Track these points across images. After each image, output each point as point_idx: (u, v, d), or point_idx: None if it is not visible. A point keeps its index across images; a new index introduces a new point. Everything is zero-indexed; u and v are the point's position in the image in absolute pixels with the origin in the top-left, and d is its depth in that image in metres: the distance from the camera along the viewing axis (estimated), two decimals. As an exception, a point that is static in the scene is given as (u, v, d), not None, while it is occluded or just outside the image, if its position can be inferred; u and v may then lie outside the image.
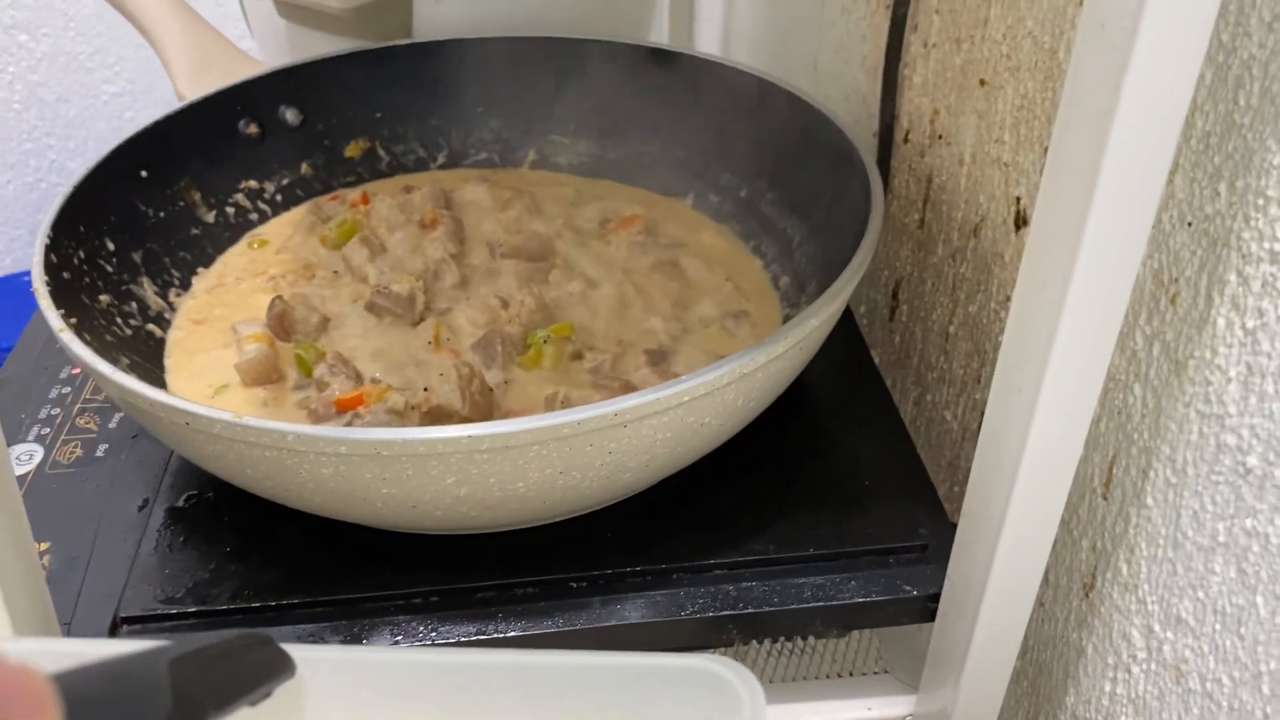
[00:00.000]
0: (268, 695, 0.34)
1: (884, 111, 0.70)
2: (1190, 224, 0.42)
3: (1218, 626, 0.43)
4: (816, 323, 0.50)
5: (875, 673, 0.62)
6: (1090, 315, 0.37)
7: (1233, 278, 0.40)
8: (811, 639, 0.63)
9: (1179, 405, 0.43)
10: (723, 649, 0.61)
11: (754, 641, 0.62)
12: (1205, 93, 0.40)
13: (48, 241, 0.57)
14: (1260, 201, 0.38)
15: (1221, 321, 0.40)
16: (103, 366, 0.48)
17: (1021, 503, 0.42)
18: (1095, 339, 0.38)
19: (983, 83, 0.58)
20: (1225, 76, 0.39)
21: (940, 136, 0.64)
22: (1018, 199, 0.56)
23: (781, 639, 0.63)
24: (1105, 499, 0.50)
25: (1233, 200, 0.39)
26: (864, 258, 0.53)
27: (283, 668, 0.35)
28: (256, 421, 0.44)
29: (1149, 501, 0.46)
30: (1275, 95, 0.37)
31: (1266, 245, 0.38)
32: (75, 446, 0.61)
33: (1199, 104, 0.40)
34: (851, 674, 0.62)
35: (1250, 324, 0.39)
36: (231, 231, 0.72)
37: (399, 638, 0.50)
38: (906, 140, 0.69)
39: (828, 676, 0.62)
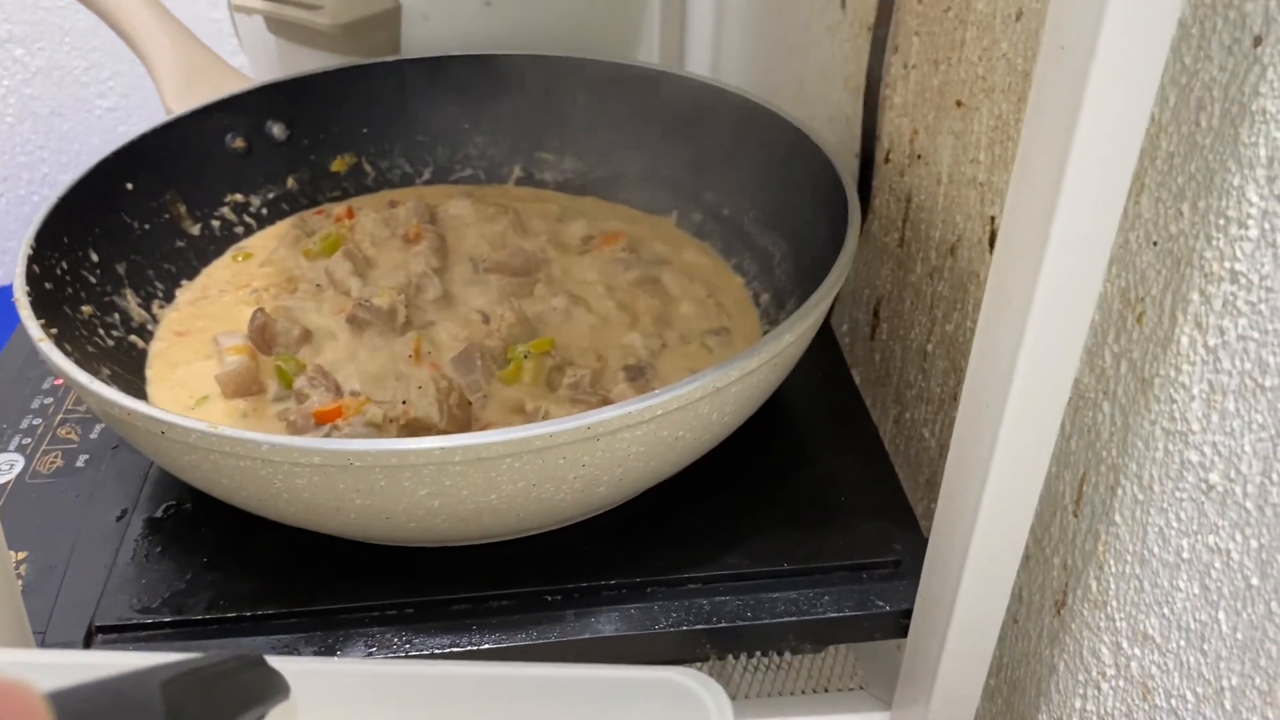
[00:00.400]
0: (261, 718, 0.34)
1: (865, 132, 0.70)
2: (1156, 243, 0.42)
3: (1182, 643, 0.43)
4: (791, 338, 0.50)
5: (851, 689, 0.62)
6: (1054, 330, 0.38)
7: (1195, 296, 0.40)
8: (788, 655, 0.64)
9: (1145, 423, 0.44)
10: (699, 664, 0.61)
11: (730, 657, 0.62)
12: (1169, 114, 0.41)
13: (30, 252, 0.57)
14: (1221, 221, 0.38)
15: (1185, 340, 0.41)
16: (81, 376, 0.49)
17: (989, 517, 0.43)
18: (1059, 354, 0.38)
19: (959, 104, 0.59)
20: (1188, 99, 0.39)
21: (919, 156, 0.65)
22: (992, 218, 0.56)
23: (758, 654, 0.63)
24: (1076, 516, 0.50)
25: (1195, 220, 0.40)
26: (838, 276, 0.54)
27: (276, 689, 0.35)
28: (231, 431, 0.44)
29: (1117, 519, 0.47)
30: (1235, 117, 0.37)
31: (1227, 265, 0.38)
32: (56, 457, 0.61)
33: (1163, 125, 0.41)
34: (828, 690, 0.62)
35: (1212, 342, 0.39)
36: (216, 244, 0.73)
37: (373, 649, 0.50)
38: (887, 160, 0.70)
39: (804, 692, 0.62)
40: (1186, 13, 0.39)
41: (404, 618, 0.52)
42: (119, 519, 0.57)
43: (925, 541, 0.49)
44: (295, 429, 0.57)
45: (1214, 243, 0.39)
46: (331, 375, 0.60)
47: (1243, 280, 0.38)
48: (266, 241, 0.74)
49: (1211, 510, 0.40)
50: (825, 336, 0.70)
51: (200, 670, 0.31)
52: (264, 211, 0.76)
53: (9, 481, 0.59)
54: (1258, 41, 0.36)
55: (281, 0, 0.83)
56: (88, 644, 0.50)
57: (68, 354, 0.51)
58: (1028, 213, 0.36)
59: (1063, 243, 0.36)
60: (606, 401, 0.58)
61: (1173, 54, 0.40)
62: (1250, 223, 0.37)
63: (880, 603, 0.53)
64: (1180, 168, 0.40)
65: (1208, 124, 0.39)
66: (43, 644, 0.50)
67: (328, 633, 0.51)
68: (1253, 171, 0.37)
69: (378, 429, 0.55)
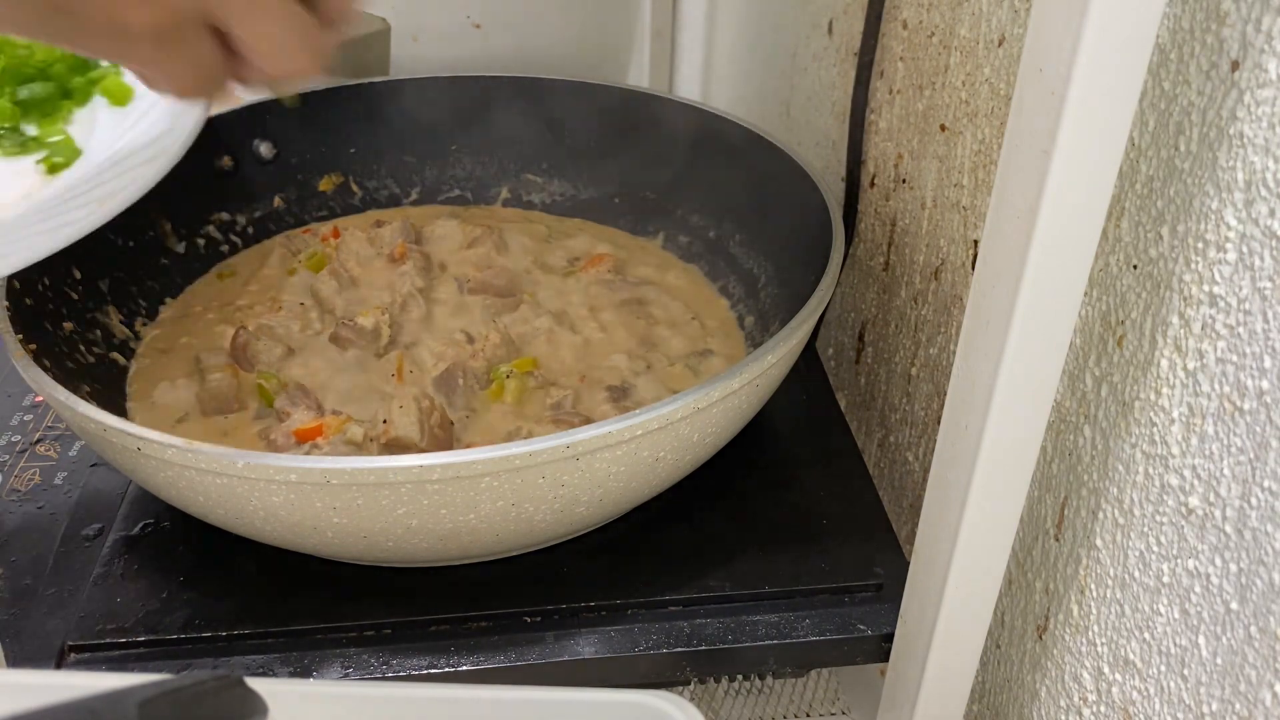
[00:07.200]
0: None
1: (851, 156, 0.71)
2: (1136, 267, 0.42)
3: (1163, 668, 0.43)
4: (773, 359, 0.50)
5: (834, 714, 0.61)
6: (1032, 353, 0.38)
7: (1175, 320, 0.40)
8: (770, 679, 0.63)
9: (1126, 446, 0.44)
10: (681, 687, 0.60)
11: (712, 681, 0.62)
12: (1149, 138, 0.41)
13: (11, 267, 0.57)
14: (1200, 245, 0.38)
15: (1165, 363, 0.41)
16: (58, 392, 0.48)
17: (969, 540, 0.43)
18: (1038, 376, 0.38)
19: (943, 128, 0.59)
20: (1167, 123, 0.40)
21: (904, 181, 0.65)
22: (975, 242, 0.56)
23: (740, 678, 0.62)
24: (1058, 540, 0.50)
25: (1174, 244, 0.40)
26: (821, 298, 0.54)
27: (255, 710, 0.35)
28: (207, 447, 0.44)
29: (1098, 543, 0.46)
30: (1213, 142, 0.37)
31: (1206, 288, 0.38)
32: (34, 473, 0.61)
33: (1143, 149, 0.41)
34: (810, 715, 0.62)
35: (1191, 365, 0.39)
36: (201, 262, 0.73)
37: (349, 670, 0.50)
38: (873, 184, 0.70)
39: (786, 718, 0.62)
40: (1165, 37, 0.39)
41: (381, 638, 0.51)
42: (95, 537, 0.56)
43: (908, 565, 0.49)
44: (275, 447, 0.56)
45: (1193, 266, 0.39)
46: (313, 394, 0.59)
47: (1221, 304, 0.38)
48: (251, 260, 0.74)
49: (1191, 534, 0.40)
50: (810, 360, 0.70)
51: (178, 691, 0.30)
52: (250, 230, 0.76)
53: (-15, 498, 0.59)
54: (1235, 66, 0.36)
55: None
56: (60, 663, 0.50)
57: (46, 370, 0.51)
58: (1006, 235, 0.36)
59: (1041, 265, 0.36)
60: (588, 422, 0.58)
61: (1151, 78, 0.40)
62: (1228, 246, 0.37)
63: (862, 626, 0.52)
64: (1160, 191, 0.40)
65: (1186, 148, 0.39)
66: (13, 663, 0.49)
67: (304, 653, 0.51)
68: (1231, 195, 0.37)
69: (358, 448, 0.55)
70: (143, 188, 0.51)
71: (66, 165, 0.56)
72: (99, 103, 0.60)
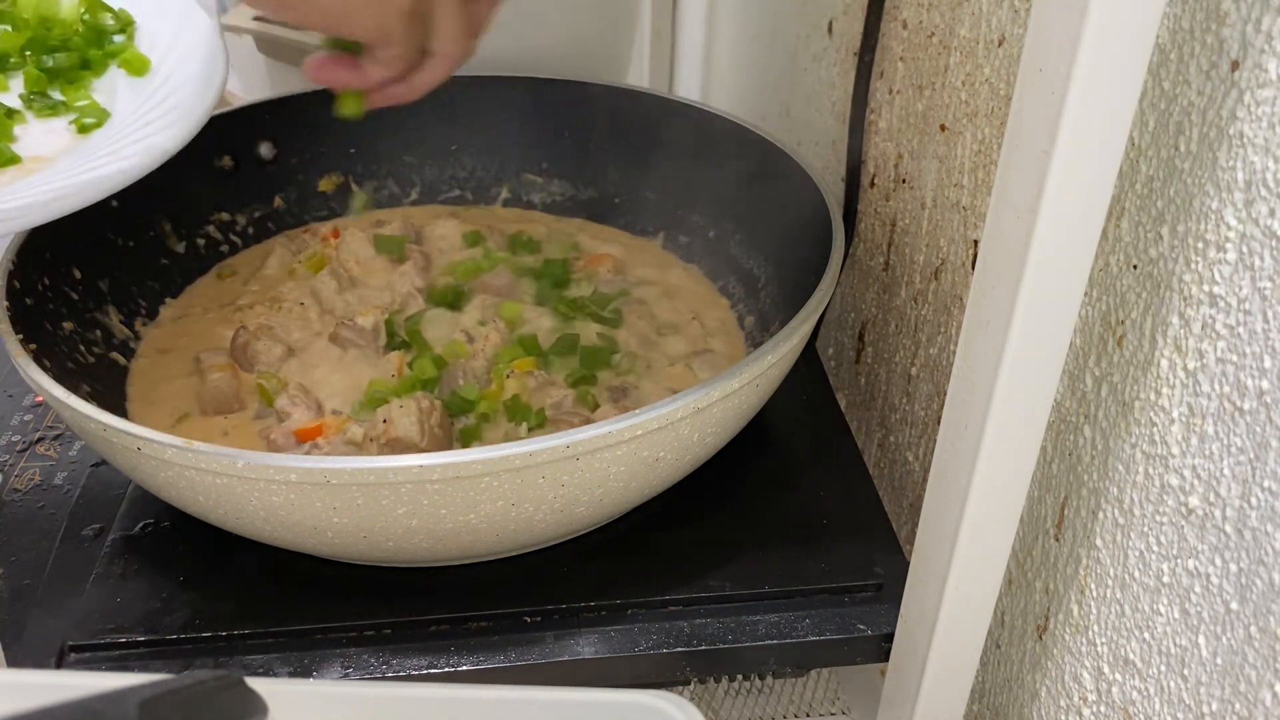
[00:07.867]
0: None
1: (851, 156, 0.71)
2: (1136, 267, 0.42)
3: (1163, 668, 0.43)
4: (773, 359, 0.50)
5: (834, 714, 0.61)
6: (1032, 353, 0.38)
7: (1175, 320, 0.40)
8: (770, 678, 0.63)
9: (1126, 446, 0.44)
10: (680, 687, 0.60)
11: (712, 680, 0.62)
12: (1149, 138, 0.41)
13: (11, 267, 0.57)
14: (1200, 245, 0.38)
15: (1165, 363, 0.41)
16: (58, 391, 0.48)
17: (969, 540, 0.43)
18: (1038, 376, 0.38)
19: (943, 128, 0.59)
20: (1167, 123, 0.40)
21: (904, 181, 0.65)
22: (975, 242, 0.56)
23: (740, 678, 0.62)
24: (1058, 540, 0.50)
25: (1174, 244, 0.40)
26: (821, 298, 0.54)
27: (255, 709, 0.35)
28: (207, 447, 0.44)
29: (1098, 543, 0.46)
30: (1213, 141, 0.37)
31: (1206, 288, 0.38)
32: (35, 473, 0.61)
33: (1143, 149, 0.41)
34: (810, 715, 0.62)
35: (1191, 365, 0.39)
36: (201, 262, 0.73)
37: (350, 670, 0.50)
38: (873, 184, 0.70)
39: (786, 717, 0.62)
40: (1164, 37, 0.39)
41: (382, 638, 0.51)
42: (96, 536, 0.56)
43: (908, 565, 0.49)
44: (276, 447, 0.57)
45: (1193, 266, 0.39)
46: (313, 393, 0.60)
47: (1221, 303, 0.38)
48: (251, 260, 0.74)
49: (1191, 534, 0.40)
50: (810, 360, 0.70)
51: (179, 691, 0.30)
52: (250, 230, 0.76)
53: (-15, 498, 0.59)
54: (1235, 66, 0.36)
55: (273, 19, 0.83)
56: (60, 663, 0.50)
57: (46, 370, 0.51)
58: (1006, 235, 0.36)
59: (1040, 265, 0.36)
60: (589, 422, 0.58)
61: (1151, 78, 0.40)
62: (1228, 246, 0.37)
63: (862, 626, 0.52)
64: (1160, 191, 0.40)
65: (1186, 148, 0.39)
66: (13, 663, 0.49)
67: (304, 653, 0.51)
68: (1231, 195, 0.37)
69: (358, 448, 0.55)
70: (192, 130, 0.57)
71: (98, 125, 0.60)
72: (117, 74, 0.63)
